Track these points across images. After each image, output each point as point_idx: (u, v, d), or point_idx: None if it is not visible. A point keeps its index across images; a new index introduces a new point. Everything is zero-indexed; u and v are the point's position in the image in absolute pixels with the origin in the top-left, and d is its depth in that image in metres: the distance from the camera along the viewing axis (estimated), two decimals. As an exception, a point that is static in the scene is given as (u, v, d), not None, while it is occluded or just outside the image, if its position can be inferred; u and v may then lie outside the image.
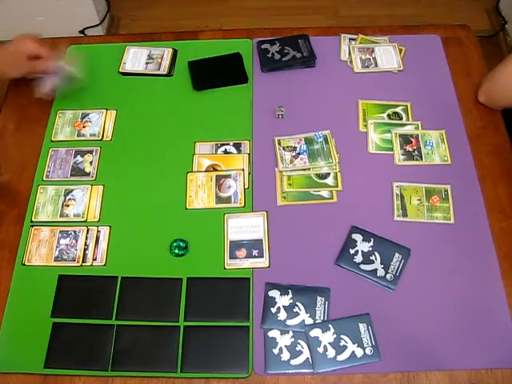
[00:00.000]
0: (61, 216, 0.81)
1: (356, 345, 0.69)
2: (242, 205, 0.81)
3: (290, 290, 0.73)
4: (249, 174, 0.84)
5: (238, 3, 2.14)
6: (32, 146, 0.88)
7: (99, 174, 0.85)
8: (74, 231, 0.79)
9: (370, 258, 0.75)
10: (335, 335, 0.70)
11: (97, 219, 0.80)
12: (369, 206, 0.80)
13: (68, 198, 0.82)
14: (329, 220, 0.79)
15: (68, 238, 0.78)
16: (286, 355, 0.69)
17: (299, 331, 0.70)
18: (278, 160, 0.84)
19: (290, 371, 0.68)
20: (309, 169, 0.83)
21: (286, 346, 0.70)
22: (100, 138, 0.89)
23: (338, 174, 0.83)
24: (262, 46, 0.97)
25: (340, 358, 0.68)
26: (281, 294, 0.73)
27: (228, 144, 0.87)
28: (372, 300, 0.73)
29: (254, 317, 0.72)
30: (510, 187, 0.82)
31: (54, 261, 0.77)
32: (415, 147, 0.86)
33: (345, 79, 0.94)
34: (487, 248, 0.77)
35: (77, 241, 0.78)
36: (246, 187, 0.82)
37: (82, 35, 1.90)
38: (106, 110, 0.92)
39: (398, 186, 0.82)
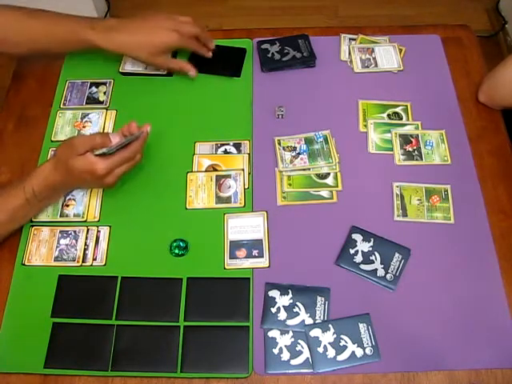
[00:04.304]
0: (61, 216, 0.80)
1: (356, 345, 0.69)
2: (242, 205, 0.81)
3: (290, 290, 0.73)
4: (249, 173, 0.84)
5: (238, 3, 2.15)
6: (32, 146, 0.88)
7: (99, 173, 0.85)
8: (74, 231, 0.79)
9: (370, 257, 0.75)
10: (335, 335, 0.70)
11: (97, 219, 0.80)
12: (369, 206, 0.80)
13: (68, 197, 0.82)
14: (329, 220, 0.79)
15: (68, 238, 0.78)
16: (286, 355, 0.69)
17: (299, 331, 0.70)
18: (278, 160, 0.84)
19: (290, 371, 0.68)
20: (309, 169, 0.83)
21: (285, 345, 0.70)
22: (100, 137, 0.89)
23: (338, 174, 0.83)
24: (262, 46, 0.97)
25: (340, 358, 0.68)
26: (281, 294, 0.73)
27: (228, 144, 0.87)
28: (372, 300, 0.73)
29: (254, 317, 0.72)
30: (510, 187, 0.82)
31: (54, 261, 0.77)
32: (415, 147, 0.86)
33: (345, 79, 0.94)
34: (487, 248, 0.77)
35: (77, 241, 0.78)
36: (246, 187, 0.82)
37: (81, 35, 1.90)
38: (106, 109, 0.92)
39: (397, 186, 0.82)
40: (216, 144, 0.87)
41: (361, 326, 0.70)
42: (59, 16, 0.87)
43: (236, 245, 0.77)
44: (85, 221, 0.80)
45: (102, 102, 0.92)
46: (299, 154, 0.84)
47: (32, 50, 0.89)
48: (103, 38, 0.84)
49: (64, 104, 0.93)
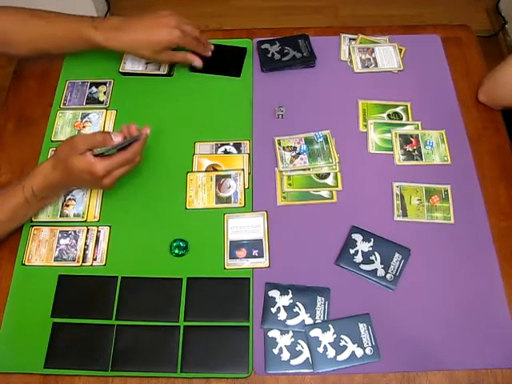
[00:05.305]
0: (61, 216, 0.80)
1: (356, 345, 0.69)
2: (242, 205, 0.81)
3: (290, 290, 0.73)
4: (249, 174, 0.84)
5: (238, 3, 2.15)
6: (32, 146, 0.88)
7: (99, 174, 0.85)
8: (74, 231, 0.79)
9: (370, 257, 0.75)
10: (335, 335, 0.70)
11: (97, 219, 0.80)
12: (369, 206, 0.80)
13: (68, 197, 0.82)
14: (329, 220, 0.79)
15: (68, 238, 0.78)
16: (286, 355, 0.69)
17: (299, 331, 0.70)
18: (278, 160, 0.84)
19: (290, 371, 0.68)
20: (309, 169, 0.83)
21: (285, 345, 0.70)
22: (100, 137, 0.88)
23: (338, 174, 0.83)
24: (262, 46, 0.97)
25: (340, 358, 0.68)
26: (281, 294, 0.73)
27: (228, 144, 0.87)
28: (372, 300, 0.73)
29: (254, 317, 0.72)
30: (510, 187, 0.82)
31: (54, 261, 0.77)
32: (415, 147, 0.86)
33: (345, 79, 0.94)
34: (487, 248, 0.77)
35: (77, 241, 0.78)
36: (246, 187, 0.82)
37: (81, 35, 1.90)
38: (106, 109, 0.92)
39: (397, 186, 0.82)
40: (216, 144, 0.87)
41: (361, 325, 0.70)
42: (61, 16, 0.87)
43: (236, 245, 0.77)
44: (85, 221, 0.80)
45: (102, 102, 0.93)
46: (299, 154, 0.84)
47: (32, 51, 0.89)
48: (107, 38, 0.84)
49: (64, 104, 0.93)
